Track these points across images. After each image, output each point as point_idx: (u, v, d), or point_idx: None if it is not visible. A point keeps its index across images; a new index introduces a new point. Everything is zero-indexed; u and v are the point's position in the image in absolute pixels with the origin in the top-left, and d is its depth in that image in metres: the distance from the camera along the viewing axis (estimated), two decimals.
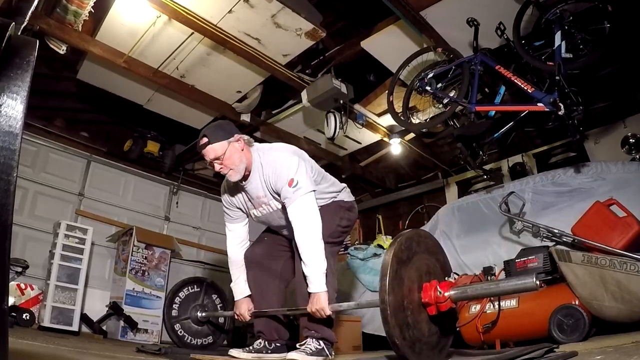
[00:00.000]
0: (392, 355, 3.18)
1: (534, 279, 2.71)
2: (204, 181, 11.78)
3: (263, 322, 4.40)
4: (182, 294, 5.84)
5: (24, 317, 7.20)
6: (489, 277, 5.45)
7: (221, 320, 6.06)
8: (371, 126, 8.81)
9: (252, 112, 8.52)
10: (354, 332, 6.53)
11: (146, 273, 8.86)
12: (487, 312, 5.02)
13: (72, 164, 9.55)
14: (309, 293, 3.74)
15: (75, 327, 7.50)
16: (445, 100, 6.23)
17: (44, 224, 8.42)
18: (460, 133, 6.50)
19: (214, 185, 11.82)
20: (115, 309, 8.13)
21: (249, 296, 4.49)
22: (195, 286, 5.96)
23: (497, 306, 4.91)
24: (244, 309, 4.42)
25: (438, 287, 3.00)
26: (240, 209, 4.41)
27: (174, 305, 5.70)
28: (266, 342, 4.28)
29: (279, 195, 3.97)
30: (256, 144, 4.22)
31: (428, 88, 6.36)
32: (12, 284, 7.43)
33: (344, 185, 4.59)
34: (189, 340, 5.68)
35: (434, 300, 2.97)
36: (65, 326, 7.35)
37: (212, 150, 3.91)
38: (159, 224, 10.63)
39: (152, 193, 10.78)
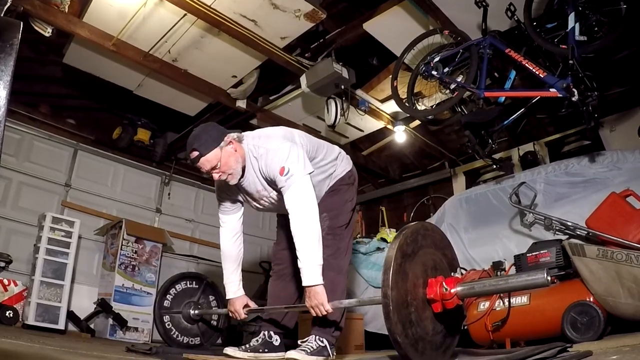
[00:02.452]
0: (395, 355, 3.17)
1: (545, 275, 2.72)
2: (198, 171, 11.37)
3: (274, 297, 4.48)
4: (178, 287, 5.84)
5: (7, 314, 7.17)
6: (498, 273, 5.43)
7: (214, 320, 6.06)
8: (374, 113, 8.80)
9: (248, 98, 8.51)
10: (356, 331, 6.53)
11: (136, 268, 8.86)
12: (497, 309, 5.01)
13: (58, 152, 9.48)
14: (304, 287, 3.69)
15: (61, 326, 7.48)
16: (453, 86, 6.21)
17: (29, 216, 8.38)
18: (468, 120, 6.48)
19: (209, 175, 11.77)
20: (103, 306, 8.12)
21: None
22: (194, 282, 5.97)
23: (507, 303, 4.90)
24: (239, 305, 4.43)
25: (444, 283, 3.01)
26: (238, 200, 4.42)
27: (167, 296, 5.71)
28: (266, 335, 4.29)
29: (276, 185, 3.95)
30: (245, 133, 4.20)
31: (434, 73, 6.34)
32: None
33: (339, 150, 4.61)
34: (175, 336, 5.68)
35: (440, 297, 2.98)
36: (50, 324, 7.33)
37: (207, 162, 3.90)
38: (149, 216, 10.57)
39: (142, 183, 10.71)
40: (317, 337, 3.90)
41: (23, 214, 8.44)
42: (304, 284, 3.67)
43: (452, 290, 2.97)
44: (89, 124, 10.16)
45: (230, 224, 4.50)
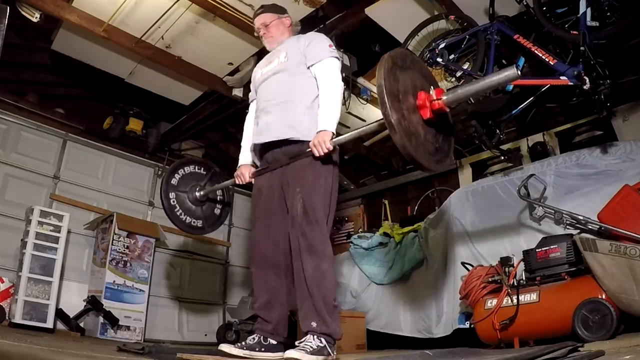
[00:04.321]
0: (398, 354, 3.18)
1: (515, 70, 3.05)
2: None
3: (265, 309, 4.42)
4: (187, 169, 5.84)
5: None
6: (506, 269, 5.44)
7: (219, 195, 6.07)
8: (376, 102, 8.76)
9: (244, 86, 8.46)
10: (358, 330, 6.55)
11: (128, 264, 8.82)
12: (505, 307, 5.02)
13: (46, 143, 9.39)
14: (319, 131, 4.14)
15: (49, 324, 7.43)
16: (459, 73, 6.21)
17: (15, 210, 8.34)
18: (474, 109, 6.49)
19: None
20: (93, 304, 8.09)
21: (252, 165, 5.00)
22: (202, 168, 5.97)
23: (515, 300, 4.91)
24: (245, 170, 4.90)
25: (431, 91, 3.44)
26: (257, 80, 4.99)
27: (175, 175, 5.71)
28: (261, 338, 4.28)
29: (301, 54, 4.59)
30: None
31: (439, 60, 6.32)
32: None
33: None
34: (179, 214, 5.69)
35: (429, 105, 3.41)
36: (38, 323, 7.28)
37: (263, 17, 4.91)
38: (142, 210, 10.51)
39: (134, 175, 10.63)
40: (316, 336, 3.89)
41: (9, 208, 8.38)
42: (320, 127, 4.15)
43: (440, 98, 3.41)
44: (79, 113, 10.14)
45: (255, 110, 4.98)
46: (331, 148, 4.05)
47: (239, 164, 5.02)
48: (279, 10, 4.98)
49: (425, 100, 3.39)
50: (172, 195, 5.66)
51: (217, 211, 6.05)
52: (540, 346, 3.25)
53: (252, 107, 5.12)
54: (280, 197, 4.46)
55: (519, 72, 2.95)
